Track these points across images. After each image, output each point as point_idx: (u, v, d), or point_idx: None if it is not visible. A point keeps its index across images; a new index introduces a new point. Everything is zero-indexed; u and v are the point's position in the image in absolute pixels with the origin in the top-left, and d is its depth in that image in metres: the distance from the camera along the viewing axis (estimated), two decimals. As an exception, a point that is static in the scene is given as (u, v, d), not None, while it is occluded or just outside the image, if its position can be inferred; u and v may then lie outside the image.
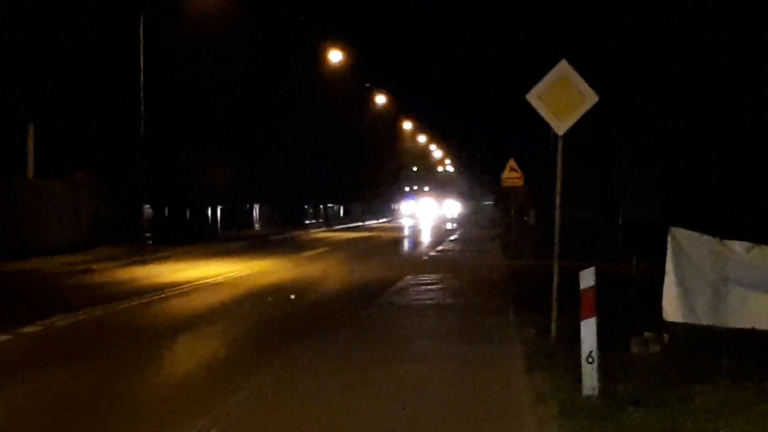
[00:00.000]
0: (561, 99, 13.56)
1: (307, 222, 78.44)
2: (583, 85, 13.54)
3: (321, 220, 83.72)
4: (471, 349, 13.73)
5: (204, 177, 47.98)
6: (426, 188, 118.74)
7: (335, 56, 63.64)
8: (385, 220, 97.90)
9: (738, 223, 24.90)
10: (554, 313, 13.53)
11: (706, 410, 9.21)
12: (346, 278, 26.85)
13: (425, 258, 35.71)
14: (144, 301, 20.67)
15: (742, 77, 32.10)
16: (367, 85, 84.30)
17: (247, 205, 66.00)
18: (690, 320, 14.78)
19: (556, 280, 13.60)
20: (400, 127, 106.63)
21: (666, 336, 12.95)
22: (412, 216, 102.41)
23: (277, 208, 74.39)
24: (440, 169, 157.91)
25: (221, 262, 32.87)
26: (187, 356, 14.45)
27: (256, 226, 67.71)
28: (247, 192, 58.72)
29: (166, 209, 50.71)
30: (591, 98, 13.54)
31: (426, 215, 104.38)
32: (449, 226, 79.20)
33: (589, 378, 9.89)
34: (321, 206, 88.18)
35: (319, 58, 64.79)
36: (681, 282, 14.99)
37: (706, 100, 33.45)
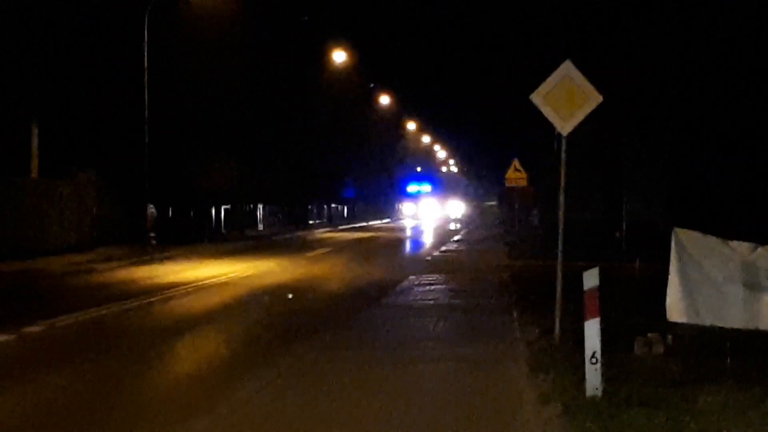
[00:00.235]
0: (565, 99, 13.54)
1: (310, 222, 78.43)
2: (587, 86, 13.52)
3: (324, 221, 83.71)
4: (474, 349, 13.72)
5: (208, 177, 47.99)
6: (429, 189, 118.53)
7: (339, 56, 63.63)
8: (388, 220, 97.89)
9: (741, 224, 24.85)
10: (558, 314, 13.51)
11: (710, 411, 9.19)
12: (349, 279, 26.85)
13: (428, 258, 35.71)
14: (147, 301, 20.68)
15: (747, 78, 32.07)
16: (372, 85, 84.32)
17: (251, 205, 65.99)
18: (694, 321, 14.75)
19: (559, 280, 13.58)
20: (404, 128, 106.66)
21: (670, 337, 12.93)
22: (414, 216, 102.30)
23: (280, 209, 74.39)
24: (444, 169, 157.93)
25: (225, 262, 32.89)
26: (190, 356, 14.46)
27: (260, 226, 67.71)
28: (250, 192, 58.69)
29: (170, 209, 50.70)
30: (595, 99, 13.53)
31: (428, 216, 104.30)
32: (453, 226, 79.18)
33: (593, 378, 9.88)
34: (324, 206, 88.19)
35: (323, 58, 64.78)
36: (684, 282, 14.96)
37: (711, 101, 33.42)
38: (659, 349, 12.39)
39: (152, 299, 20.96)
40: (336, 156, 74.35)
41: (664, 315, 14.98)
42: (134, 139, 39.29)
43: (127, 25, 38.82)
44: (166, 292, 22.41)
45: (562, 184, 13.98)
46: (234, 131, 50.10)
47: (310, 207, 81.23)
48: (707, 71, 33.43)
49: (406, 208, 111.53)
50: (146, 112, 38.98)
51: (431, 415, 9.78)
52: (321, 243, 48.78)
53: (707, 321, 14.72)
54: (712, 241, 15.06)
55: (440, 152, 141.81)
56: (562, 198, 14.04)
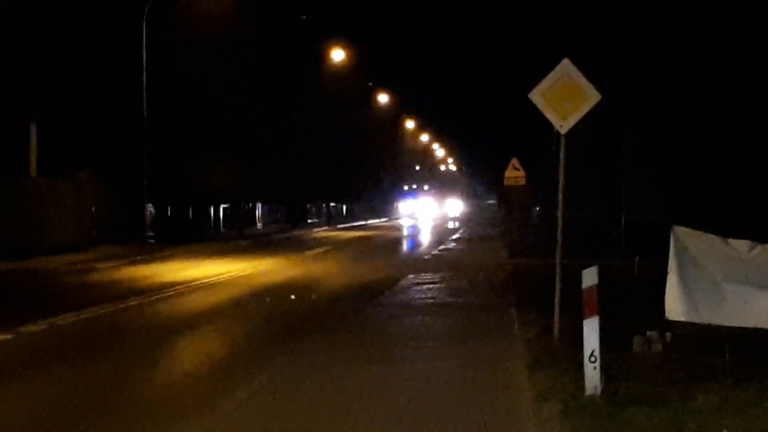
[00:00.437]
0: (564, 97, 13.55)
1: (309, 221, 78.44)
2: (586, 84, 13.53)
3: (323, 219, 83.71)
4: (473, 348, 13.72)
5: (207, 176, 47.99)
6: (426, 187, 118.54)
7: (338, 55, 63.65)
8: (387, 219, 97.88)
9: (741, 222, 24.86)
10: (557, 312, 13.52)
11: (709, 409, 9.20)
12: (348, 277, 26.85)
13: (427, 257, 35.71)
14: (147, 300, 20.68)
15: (747, 77, 32.07)
16: (370, 84, 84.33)
17: (250, 204, 65.99)
18: (693, 319, 14.74)
19: (558, 279, 13.59)
20: (403, 126, 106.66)
21: (669, 335, 12.93)
22: (411, 216, 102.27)
23: (279, 207, 74.40)
24: (443, 167, 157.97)
25: (224, 261, 32.89)
26: (190, 355, 14.46)
27: (259, 225, 67.73)
28: (249, 191, 58.69)
29: (169, 208, 50.72)
30: (594, 97, 13.53)
31: (426, 214, 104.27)
32: (451, 225, 79.19)
33: (592, 377, 9.89)
34: (323, 205, 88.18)
35: (322, 57, 64.78)
36: (684, 281, 14.95)
37: (711, 100, 33.42)
38: (658, 347, 12.40)
39: (152, 298, 20.97)
40: (334, 155, 74.32)
41: (663, 313, 14.97)
42: (133, 139, 39.33)
43: (126, 25, 38.85)
44: (166, 291, 22.41)
45: (561, 182, 13.98)
46: (233, 130, 50.10)
47: (309, 206, 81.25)
48: (707, 69, 33.43)
49: (404, 207, 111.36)
50: (145, 111, 39.01)
51: (430, 413, 9.78)
52: (320, 242, 48.78)
53: (706, 319, 14.71)
54: (712, 239, 15.05)
55: (439, 150, 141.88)
56: (561, 196, 14.05)
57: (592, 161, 36.80)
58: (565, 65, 13.58)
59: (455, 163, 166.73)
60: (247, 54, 49.72)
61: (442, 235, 57.91)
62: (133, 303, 20.07)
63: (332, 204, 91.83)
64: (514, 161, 44.68)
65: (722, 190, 32.80)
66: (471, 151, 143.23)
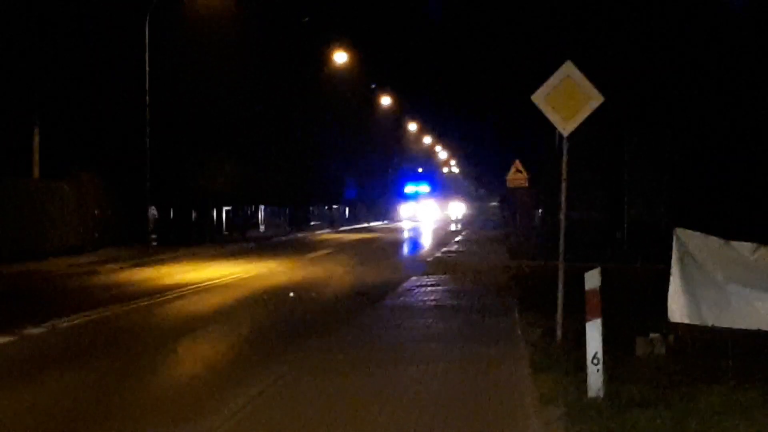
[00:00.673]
0: (566, 100, 13.55)
1: (312, 223, 78.46)
2: (589, 86, 13.53)
3: (326, 222, 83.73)
4: (476, 350, 13.71)
5: (209, 178, 48.02)
6: (428, 189, 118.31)
7: (340, 57, 63.65)
8: (390, 222, 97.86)
9: (743, 224, 24.85)
10: (559, 315, 13.51)
11: (712, 411, 9.19)
12: (350, 280, 26.86)
13: (430, 259, 35.68)
14: (149, 302, 20.68)
15: (748, 79, 32.05)
16: (373, 86, 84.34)
17: (252, 207, 66.02)
18: (695, 321, 14.71)
19: (561, 281, 13.57)
20: (405, 128, 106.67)
21: (671, 337, 12.92)
22: (414, 218, 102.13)
23: (282, 210, 74.41)
24: (445, 170, 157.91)
25: (226, 263, 32.89)
26: (193, 357, 14.45)
27: (261, 227, 67.75)
28: (252, 193, 58.72)
29: (172, 210, 50.73)
30: (596, 99, 13.53)
31: (429, 217, 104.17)
32: (454, 227, 79.18)
33: (595, 379, 9.87)
34: (326, 208, 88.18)
35: (325, 59, 64.78)
36: (686, 283, 14.93)
37: (712, 102, 33.41)
38: (661, 349, 12.38)
39: (154, 301, 20.96)
40: (337, 157, 74.35)
41: (666, 315, 14.96)
42: (136, 141, 39.32)
43: (129, 26, 38.84)
44: (168, 293, 22.41)
45: (564, 184, 13.97)
46: (235, 132, 50.12)
47: (311, 208, 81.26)
48: (709, 72, 33.42)
49: (406, 209, 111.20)
50: (147, 113, 39.00)
51: (432, 416, 9.77)
52: (322, 244, 48.78)
53: (709, 321, 14.69)
54: (714, 241, 15.03)
55: (441, 153, 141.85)
56: (563, 198, 14.04)
57: (595, 163, 36.83)
58: (568, 67, 13.58)
59: (458, 165, 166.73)
60: (250, 56, 49.72)
61: (444, 237, 57.89)
62: (135, 305, 20.07)
63: (334, 206, 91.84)
64: (517, 163, 44.67)
65: (725, 192, 32.78)
66: (474, 154, 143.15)
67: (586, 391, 9.90)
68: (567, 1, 42.32)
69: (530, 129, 46.56)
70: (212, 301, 21.39)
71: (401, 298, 21.07)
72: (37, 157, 36.98)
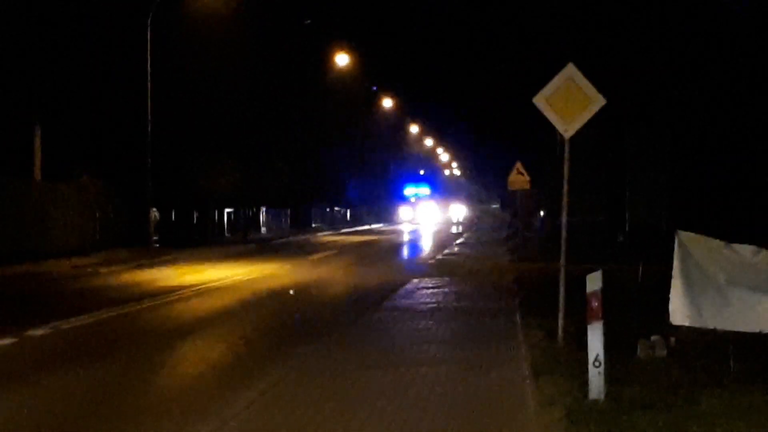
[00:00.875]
0: (568, 102, 13.55)
1: (313, 225, 78.48)
2: (590, 89, 13.53)
3: (327, 224, 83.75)
4: (477, 352, 13.71)
5: (211, 180, 48.06)
6: (428, 192, 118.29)
7: (342, 60, 63.68)
8: (391, 224, 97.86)
9: (745, 226, 24.85)
10: (561, 317, 13.50)
11: (713, 414, 9.19)
12: (352, 281, 26.86)
13: (431, 261, 35.68)
14: (151, 304, 20.69)
15: (750, 81, 32.06)
16: (374, 88, 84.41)
17: (254, 209, 66.05)
18: (697, 324, 14.72)
19: (562, 283, 13.57)
20: (407, 130, 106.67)
21: (673, 339, 12.92)
22: (415, 220, 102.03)
23: (283, 212, 74.45)
24: (447, 172, 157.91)
25: (228, 265, 32.89)
26: (195, 359, 14.46)
27: (263, 229, 67.77)
28: (253, 195, 58.77)
29: (173, 212, 50.76)
30: (598, 101, 13.53)
31: (431, 219, 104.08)
32: (455, 229, 79.16)
33: (596, 382, 9.87)
34: (327, 210, 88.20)
35: (326, 61, 64.81)
36: (688, 285, 14.94)
37: (714, 104, 33.41)
38: (662, 352, 12.38)
39: (156, 302, 20.97)
40: (339, 159, 74.36)
41: (667, 318, 14.97)
42: (137, 142, 39.36)
43: (130, 28, 38.89)
44: (170, 295, 22.42)
45: (566, 187, 13.97)
46: (237, 134, 50.18)
47: (313, 210, 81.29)
48: (710, 74, 33.42)
49: (407, 211, 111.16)
50: (149, 114, 39.03)
51: (433, 418, 9.77)
52: (324, 246, 48.78)
53: (710, 324, 14.70)
54: (716, 243, 15.04)
55: (443, 155, 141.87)
56: (565, 201, 14.04)
57: (596, 165, 36.84)
58: (570, 70, 13.58)
59: (459, 167, 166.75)
60: (251, 58, 49.78)
61: (446, 239, 57.87)
62: (137, 307, 20.08)
63: (336, 208, 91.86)
64: (519, 165, 44.67)
65: (726, 195, 32.79)
66: (475, 156, 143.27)
67: (587, 393, 9.90)
68: (569, 2, 42.33)
69: (532, 131, 46.56)
70: (214, 303, 21.39)
71: (402, 300, 21.07)
72: (38, 158, 37.03)
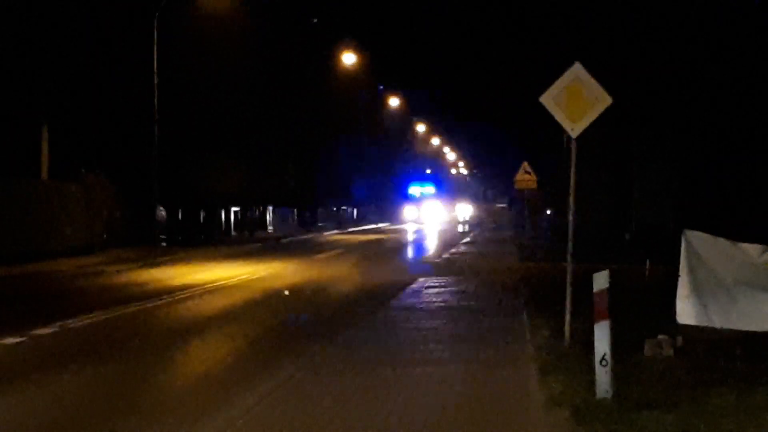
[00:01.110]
0: (575, 101, 13.54)
1: (320, 224, 78.51)
2: (597, 88, 13.51)
3: (334, 223, 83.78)
4: (484, 351, 13.70)
5: (217, 179, 48.07)
6: (434, 191, 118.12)
7: (349, 59, 63.70)
8: (398, 223, 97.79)
9: (751, 226, 24.80)
10: (568, 316, 13.49)
11: (720, 413, 9.18)
12: (359, 280, 26.87)
13: (438, 260, 35.68)
14: (158, 303, 20.71)
15: (758, 80, 31.99)
16: (381, 87, 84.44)
17: (261, 208, 66.11)
18: (704, 323, 14.73)
19: (569, 282, 13.56)
20: (414, 130, 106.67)
21: (680, 339, 12.91)
22: (421, 220, 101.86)
23: (290, 211, 74.48)
24: (453, 171, 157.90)
25: (235, 264, 32.92)
26: (202, 358, 14.47)
27: (270, 228, 67.81)
28: (260, 194, 58.81)
29: (180, 211, 50.82)
30: (605, 100, 13.51)
31: (437, 219, 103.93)
32: (461, 228, 79.14)
33: (603, 381, 9.87)
34: (334, 209, 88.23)
35: (333, 60, 64.84)
36: (695, 284, 14.94)
37: (721, 103, 33.35)
38: (669, 351, 12.37)
39: (163, 302, 20.99)
40: (345, 158, 74.38)
41: (674, 317, 14.97)
42: (143, 142, 39.40)
43: (137, 28, 38.94)
44: (177, 294, 22.44)
45: (572, 186, 13.96)
46: (244, 134, 50.19)
47: (319, 209, 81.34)
48: (718, 73, 33.36)
49: (414, 210, 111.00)
50: (155, 114, 39.08)
51: (439, 417, 9.78)
52: (331, 245, 48.79)
53: (717, 323, 14.70)
54: (722, 243, 15.04)
55: (450, 154, 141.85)
56: (572, 200, 14.03)
57: (603, 165, 36.77)
58: (576, 69, 13.57)
59: (466, 166, 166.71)
60: (258, 57, 49.83)
61: (452, 238, 57.84)
62: (143, 306, 20.10)
63: (343, 207, 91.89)
64: (525, 165, 44.70)
65: (733, 194, 32.73)
66: (482, 155, 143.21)
67: (594, 392, 9.90)
68: (576, 2, 42.29)
69: (539, 130, 46.53)
70: (220, 302, 21.41)
71: (409, 299, 21.08)
72: (45, 158, 37.09)
